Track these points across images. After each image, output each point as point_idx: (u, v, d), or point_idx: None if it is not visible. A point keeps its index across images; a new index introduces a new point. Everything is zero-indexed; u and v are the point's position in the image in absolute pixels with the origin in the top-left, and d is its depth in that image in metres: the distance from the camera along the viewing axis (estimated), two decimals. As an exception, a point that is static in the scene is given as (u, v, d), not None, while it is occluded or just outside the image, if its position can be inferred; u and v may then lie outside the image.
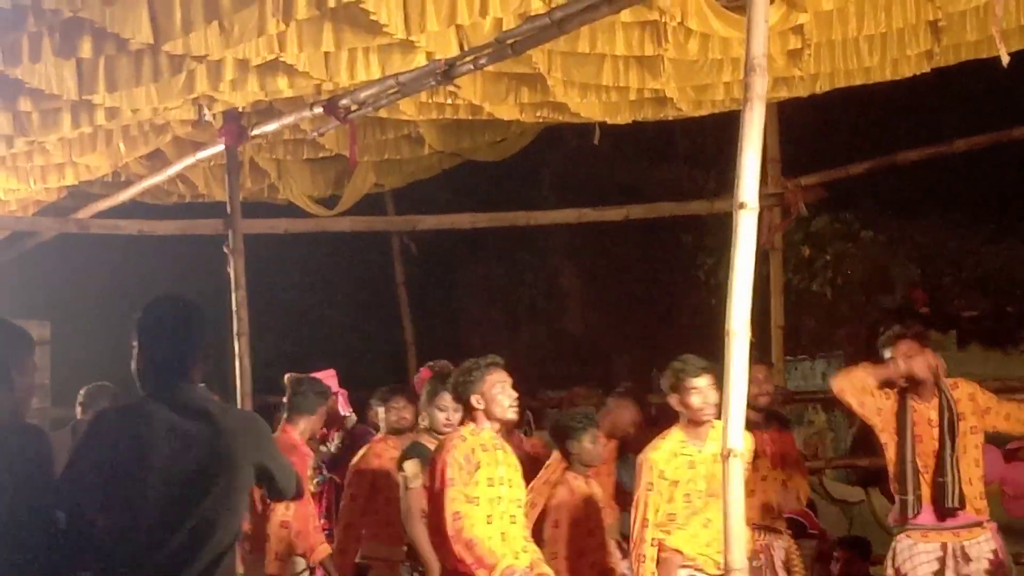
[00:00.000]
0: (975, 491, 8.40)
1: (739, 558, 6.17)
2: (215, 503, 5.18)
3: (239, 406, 10.51)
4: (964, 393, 8.47)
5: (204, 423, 5.24)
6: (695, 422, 8.09)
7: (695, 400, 8.01)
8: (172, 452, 5.17)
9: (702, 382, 7.91)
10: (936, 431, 8.27)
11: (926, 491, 8.40)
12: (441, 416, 8.69)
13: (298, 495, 5.64)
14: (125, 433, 5.25)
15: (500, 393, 8.02)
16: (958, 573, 8.37)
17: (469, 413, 8.10)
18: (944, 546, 8.37)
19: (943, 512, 8.26)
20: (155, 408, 5.28)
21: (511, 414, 8.10)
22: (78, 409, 10.05)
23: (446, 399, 8.59)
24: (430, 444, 8.46)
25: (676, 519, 8.23)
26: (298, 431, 9.29)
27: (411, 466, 8.50)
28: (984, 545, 8.39)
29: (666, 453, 8.17)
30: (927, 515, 8.41)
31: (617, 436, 9.83)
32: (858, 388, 8.37)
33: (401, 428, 9.65)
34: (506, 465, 8.12)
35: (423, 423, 8.67)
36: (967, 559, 8.34)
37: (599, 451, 8.95)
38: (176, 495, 5.14)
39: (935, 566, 8.39)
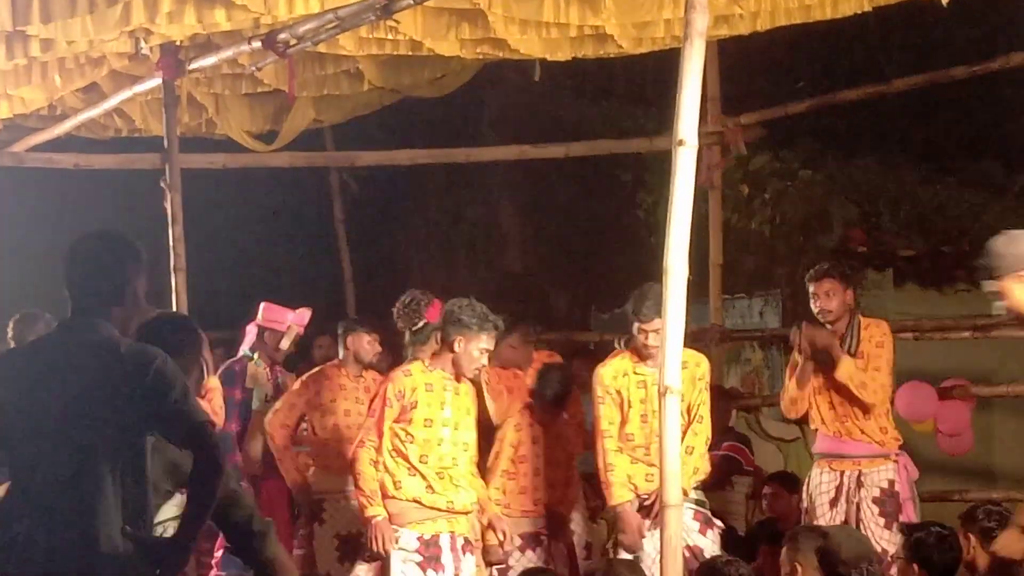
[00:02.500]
0: (874, 423, 8.71)
1: (674, 495, 6.22)
2: (104, 440, 5.16)
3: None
4: (872, 334, 8.79)
5: (101, 359, 5.21)
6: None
7: (652, 339, 8.13)
8: (63, 388, 5.18)
9: (656, 324, 7.98)
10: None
11: (829, 417, 8.73)
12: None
13: (197, 443, 5.32)
14: (22, 371, 5.32)
15: (479, 356, 8.12)
16: (849, 500, 8.70)
17: (441, 347, 8.17)
18: (842, 474, 8.73)
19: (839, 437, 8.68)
20: (56, 344, 5.33)
21: (469, 375, 8.21)
22: (9, 333, 9.97)
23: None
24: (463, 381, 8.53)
25: (634, 439, 8.35)
26: None
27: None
28: (881, 474, 8.68)
29: (613, 369, 8.31)
30: (829, 442, 8.75)
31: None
32: (796, 398, 8.80)
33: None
34: (454, 408, 8.17)
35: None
36: (860, 486, 8.63)
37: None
38: (65, 431, 5.15)
39: (832, 494, 8.72)
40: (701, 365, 8.55)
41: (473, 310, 8.15)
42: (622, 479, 8.46)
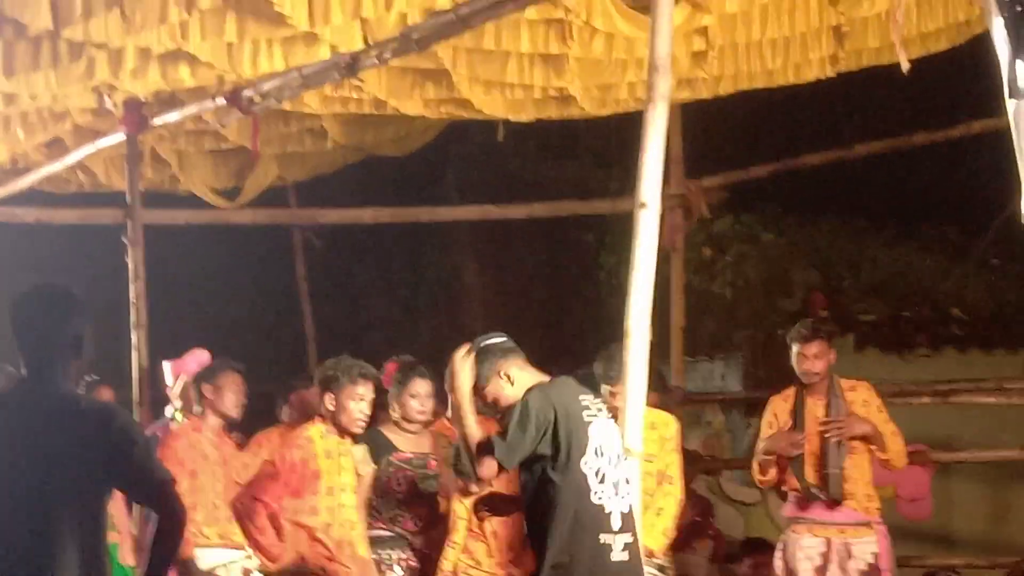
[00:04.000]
0: (862, 490, 8.68)
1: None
2: (65, 497, 5.12)
3: (136, 397, 10.44)
4: (860, 397, 8.76)
5: (62, 417, 5.18)
6: None
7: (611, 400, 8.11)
8: (24, 447, 5.13)
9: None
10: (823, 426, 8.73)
11: (814, 480, 8.68)
12: (415, 404, 8.54)
13: (160, 499, 5.32)
14: None
15: (355, 405, 7.99)
16: (841, 568, 8.62)
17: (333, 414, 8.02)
18: (828, 542, 8.67)
19: (830, 504, 8.57)
20: (15, 402, 5.29)
21: (358, 429, 8.07)
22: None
23: (419, 385, 8.49)
24: (393, 435, 8.38)
25: None
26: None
27: (359, 451, 8.34)
28: (867, 546, 8.65)
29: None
30: (815, 507, 8.68)
31: None
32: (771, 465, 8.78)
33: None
34: (349, 471, 8.08)
35: (394, 414, 8.52)
36: (849, 555, 8.60)
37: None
38: (27, 489, 5.09)
39: (818, 561, 8.65)
40: (670, 426, 8.51)
41: (337, 363, 8.09)
42: None
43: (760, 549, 10.53)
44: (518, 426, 6.23)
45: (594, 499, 6.29)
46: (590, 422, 6.40)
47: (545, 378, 6.58)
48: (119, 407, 5.29)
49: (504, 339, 6.67)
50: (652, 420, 8.33)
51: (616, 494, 6.35)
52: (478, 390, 6.55)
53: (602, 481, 6.32)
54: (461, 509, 8.28)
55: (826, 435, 8.70)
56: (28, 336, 5.31)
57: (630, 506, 6.40)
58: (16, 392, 5.40)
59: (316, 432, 8.01)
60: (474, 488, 7.44)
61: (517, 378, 6.54)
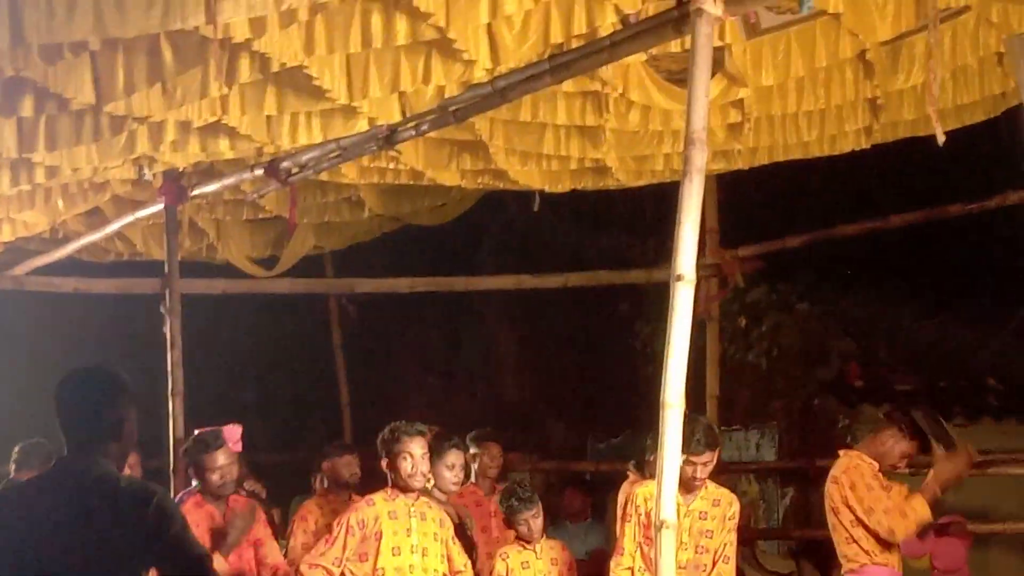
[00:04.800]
0: None
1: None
2: (100, 574, 5.15)
3: (171, 466, 10.46)
4: None
5: (100, 497, 5.22)
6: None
7: (700, 472, 8.19)
8: (65, 528, 5.17)
9: (706, 457, 8.19)
10: None
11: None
12: (449, 475, 8.79)
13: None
14: (21, 510, 5.29)
15: (415, 463, 8.16)
16: None
17: (392, 476, 8.22)
18: None
19: None
20: (54, 482, 5.32)
21: (416, 484, 8.22)
22: (12, 466, 9.97)
23: (453, 457, 8.73)
24: (428, 505, 8.49)
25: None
26: None
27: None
28: None
29: (648, 491, 8.33)
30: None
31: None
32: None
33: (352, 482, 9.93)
34: (420, 534, 8.19)
35: (429, 484, 8.65)
36: None
37: (539, 525, 9.11)
38: (66, 569, 5.14)
39: None
40: (733, 505, 8.58)
41: (397, 425, 8.28)
42: None
43: None
44: None
45: None
46: None
47: None
48: (157, 486, 5.33)
49: None
50: (717, 496, 8.40)
51: None
52: None
53: None
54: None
55: None
56: (71, 416, 5.37)
57: None
58: (57, 471, 5.43)
59: (380, 496, 8.26)
60: None
61: None
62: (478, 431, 10.47)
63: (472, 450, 10.16)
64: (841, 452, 8.78)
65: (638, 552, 8.53)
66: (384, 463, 8.30)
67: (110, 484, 5.26)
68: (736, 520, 8.60)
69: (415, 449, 8.22)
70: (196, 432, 9.22)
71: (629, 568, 8.52)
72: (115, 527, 5.17)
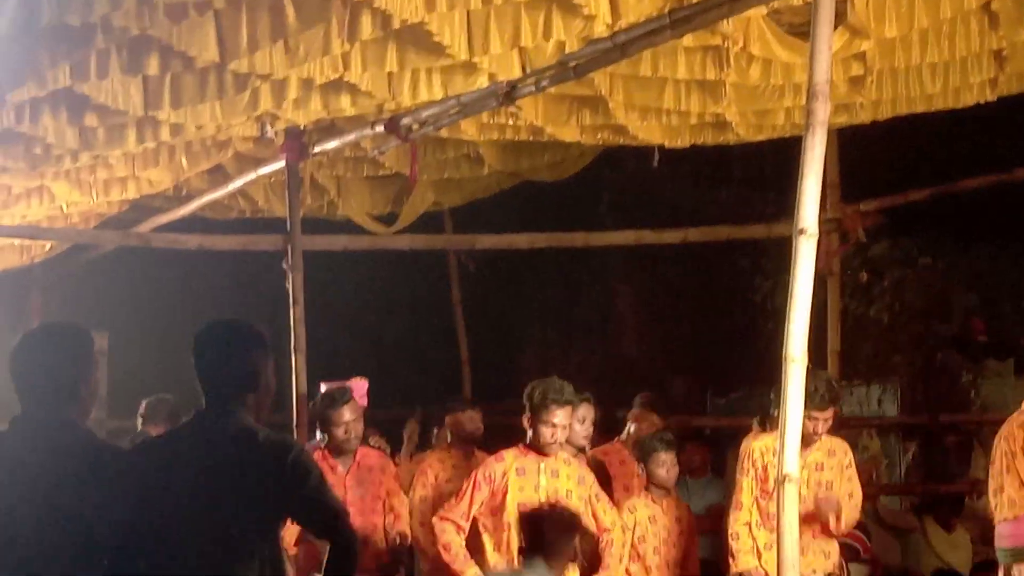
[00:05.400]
0: None
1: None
2: (244, 528, 5.23)
3: (294, 420, 10.59)
4: None
5: (239, 449, 5.29)
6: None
7: (821, 427, 8.21)
8: (204, 478, 5.26)
9: (828, 413, 8.25)
10: None
11: None
12: (580, 428, 8.92)
13: (334, 531, 5.49)
14: (163, 463, 5.40)
15: (555, 434, 8.20)
16: None
17: (531, 435, 8.27)
18: None
19: None
20: (195, 434, 5.43)
21: (552, 451, 8.27)
22: (139, 421, 10.17)
23: (583, 410, 9.08)
24: (566, 462, 8.57)
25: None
26: None
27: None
28: None
29: (764, 446, 8.35)
30: None
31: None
32: None
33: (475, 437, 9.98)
34: (551, 491, 8.22)
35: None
36: None
37: (674, 475, 9.16)
38: (208, 520, 5.23)
39: None
40: (848, 453, 8.65)
41: (547, 389, 8.24)
42: (748, 546, 8.50)
43: None
44: None
45: None
46: None
47: None
48: (294, 440, 5.42)
49: None
50: (829, 446, 8.40)
51: None
52: None
53: None
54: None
55: None
56: (210, 368, 5.45)
57: None
58: (195, 424, 5.53)
59: (511, 452, 8.36)
60: None
61: None
62: (642, 396, 10.63)
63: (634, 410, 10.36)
64: None
65: (755, 507, 8.54)
66: (526, 420, 8.32)
67: (249, 436, 5.35)
68: (853, 466, 8.62)
69: (560, 419, 8.24)
70: (323, 387, 9.35)
71: (747, 523, 8.54)
72: (255, 479, 5.26)
